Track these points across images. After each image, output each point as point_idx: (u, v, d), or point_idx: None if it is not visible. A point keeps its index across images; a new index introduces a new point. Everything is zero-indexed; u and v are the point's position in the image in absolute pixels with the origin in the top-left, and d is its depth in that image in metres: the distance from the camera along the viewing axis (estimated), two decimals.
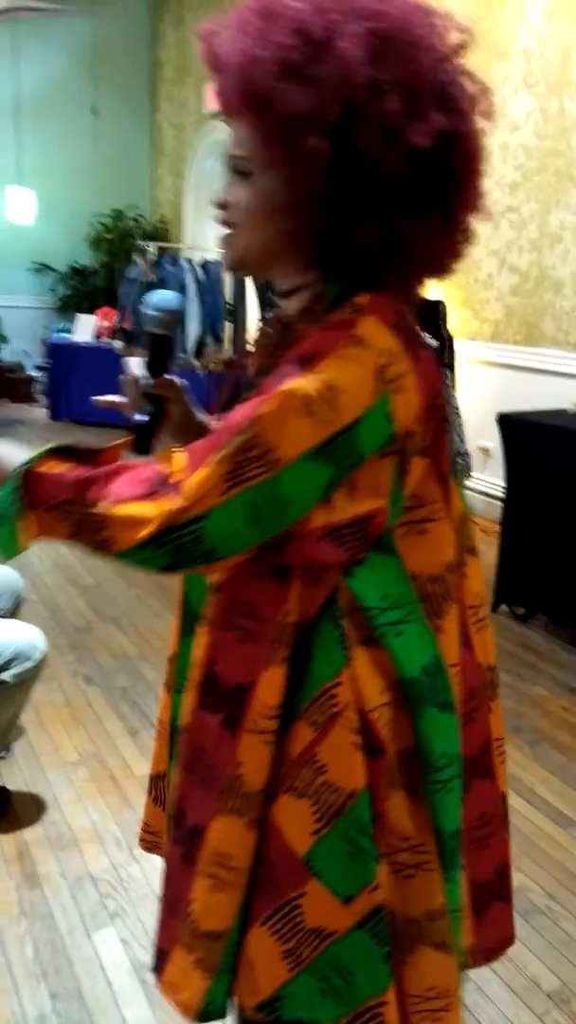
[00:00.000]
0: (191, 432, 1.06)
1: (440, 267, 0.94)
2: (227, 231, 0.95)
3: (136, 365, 1.04)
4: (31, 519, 0.88)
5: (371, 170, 0.83)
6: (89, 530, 0.86)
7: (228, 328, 6.25)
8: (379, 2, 0.83)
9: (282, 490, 0.82)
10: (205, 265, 6.40)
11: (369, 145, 0.82)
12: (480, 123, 0.88)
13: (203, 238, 8.05)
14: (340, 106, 0.81)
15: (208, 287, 6.42)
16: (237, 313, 6.21)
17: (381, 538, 0.89)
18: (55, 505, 0.87)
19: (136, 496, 0.85)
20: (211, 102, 7.40)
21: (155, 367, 1.04)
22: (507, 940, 1.14)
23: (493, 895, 1.08)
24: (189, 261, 6.41)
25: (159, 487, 0.85)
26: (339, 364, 0.83)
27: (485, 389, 4.48)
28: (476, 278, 4.64)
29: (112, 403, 1.08)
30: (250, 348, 1.06)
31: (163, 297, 1.04)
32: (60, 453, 0.91)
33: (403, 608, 0.91)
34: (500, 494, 3.56)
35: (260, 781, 0.93)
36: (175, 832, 1.01)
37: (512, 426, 3.44)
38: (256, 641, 0.91)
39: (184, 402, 1.07)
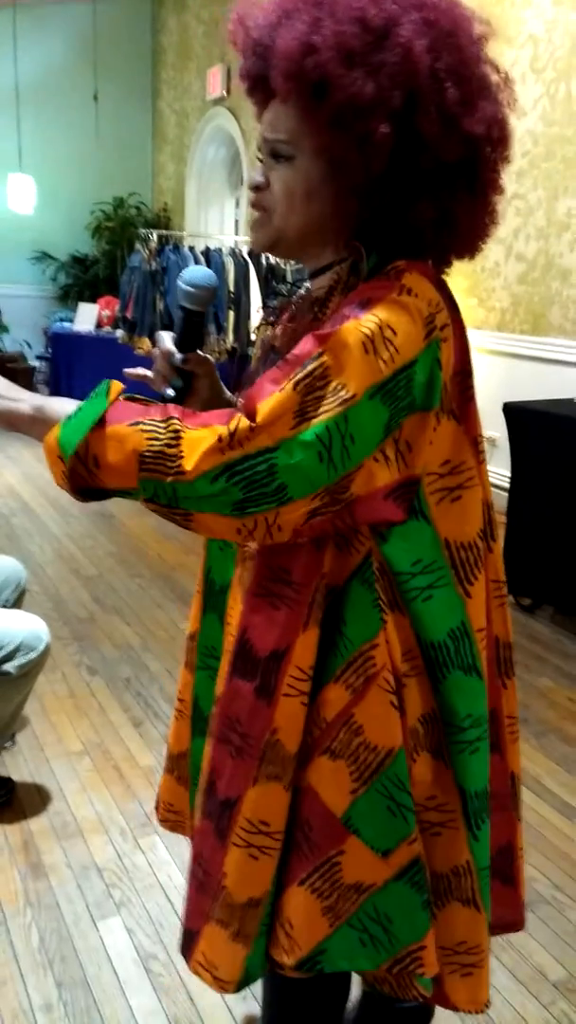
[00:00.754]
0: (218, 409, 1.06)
1: (474, 246, 0.97)
2: (258, 214, 0.95)
3: (168, 340, 1.05)
4: (102, 434, 0.84)
5: (429, 155, 0.85)
6: (160, 448, 0.82)
7: (231, 317, 6.22)
8: None
9: (349, 427, 0.82)
10: (207, 253, 6.36)
11: (430, 131, 0.84)
12: (506, 110, 0.91)
13: (206, 226, 8.00)
14: (403, 93, 0.83)
15: None
16: (240, 302, 6.18)
17: (416, 504, 0.91)
18: (134, 423, 0.84)
19: (211, 421, 0.84)
20: (213, 88, 7.35)
21: (186, 343, 1.04)
22: (510, 924, 1.15)
23: (492, 873, 1.08)
24: (192, 249, 6.37)
25: (233, 414, 0.84)
26: (392, 309, 0.84)
27: (491, 378, 4.46)
28: (482, 266, 4.61)
29: (142, 376, 1.09)
30: (262, 330, 1.06)
31: (198, 273, 1.04)
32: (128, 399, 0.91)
33: (434, 573, 0.93)
34: (505, 484, 3.54)
35: (295, 744, 0.95)
36: (206, 805, 1.02)
37: (518, 416, 3.42)
38: (291, 606, 0.92)
39: (214, 378, 1.08)
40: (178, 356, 1.04)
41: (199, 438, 0.82)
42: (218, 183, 8.10)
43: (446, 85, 0.84)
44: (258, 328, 1.10)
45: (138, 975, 1.67)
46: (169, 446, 0.82)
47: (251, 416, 0.82)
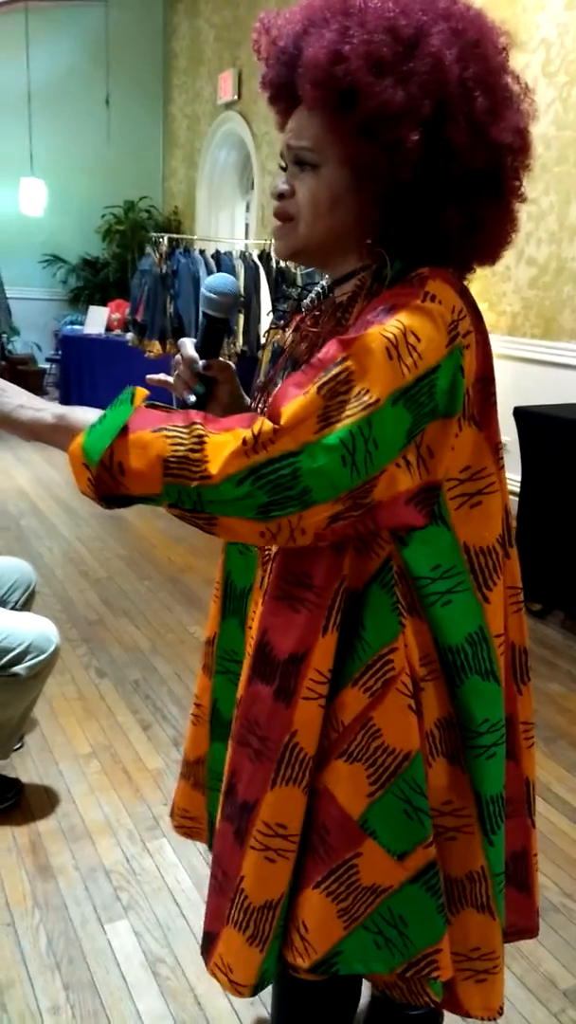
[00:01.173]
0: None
1: (496, 253, 0.97)
2: (282, 222, 0.95)
3: (190, 346, 1.05)
4: (126, 441, 0.84)
5: (458, 163, 0.86)
6: (184, 454, 0.82)
7: (241, 320, 6.23)
8: (452, 3, 0.87)
9: (372, 432, 0.82)
10: (217, 257, 6.37)
11: (459, 139, 0.85)
12: (527, 120, 0.92)
13: (216, 229, 8.02)
14: (433, 102, 0.83)
15: None
16: (250, 305, 6.18)
17: (436, 509, 0.91)
18: (158, 429, 0.84)
19: (233, 426, 0.84)
20: (225, 92, 7.37)
21: (208, 349, 1.05)
22: (523, 930, 1.14)
23: (506, 880, 1.08)
24: (202, 253, 6.39)
25: (255, 418, 0.84)
26: (416, 315, 0.85)
27: (501, 383, 4.43)
28: (493, 270, 4.59)
29: (164, 382, 1.10)
30: (278, 334, 1.06)
31: (221, 280, 1.05)
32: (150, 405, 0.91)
33: (453, 578, 0.93)
34: (516, 489, 3.53)
35: (313, 746, 0.95)
36: (226, 808, 1.03)
37: (528, 420, 3.41)
38: (311, 610, 0.92)
39: (234, 384, 1.09)
40: (200, 362, 1.04)
41: (223, 442, 0.82)
42: (229, 187, 8.12)
43: (475, 94, 0.84)
44: (268, 332, 1.10)
45: (146, 978, 1.66)
46: (193, 451, 0.82)
47: (275, 419, 0.82)
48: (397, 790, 0.95)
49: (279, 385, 1.02)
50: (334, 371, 0.82)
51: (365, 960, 1.00)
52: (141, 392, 0.89)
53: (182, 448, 0.83)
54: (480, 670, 0.96)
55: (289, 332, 1.06)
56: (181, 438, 0.83)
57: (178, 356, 1.06)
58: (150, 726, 2.56)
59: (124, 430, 0.85)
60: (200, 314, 1.07)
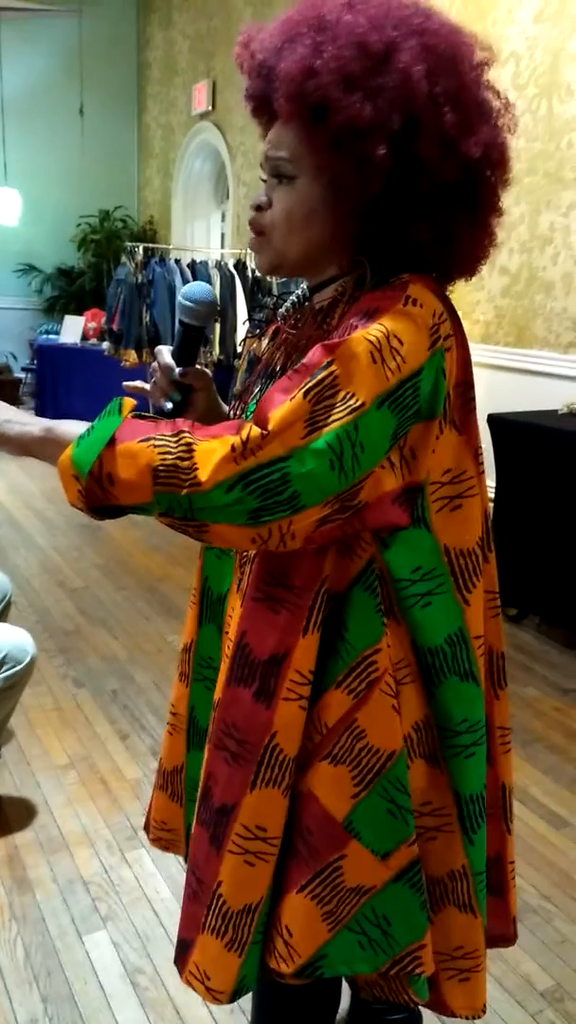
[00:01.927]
0: (215, 423, 1.07)
1: (474, 267, 0.99)
2: (261, 234, 0.97)
3: (167, 354, 1.06)
4: (115, 451, 0.84)
5: (427, 177, 0.87)
6: (173, 462, 0.83)
7: (217, 329, 6.24)
8: (426, 19, 0.88)
9: (359, 435, 0.83)
10: (193, 266, 6.38)
11: (428, 154, 0.86)
12: (506, 135, 0.93)
13: (192, 239, 8.03)
14: (402, 117, 0.84)
15: None
16: (226, 315, 6.20)
17: (418, 512, 0.92)
18: (145, 438, 0.85)
19: (221, 433, 0.84)
20: (199, 103, 7.40)
21: (185, 357, 1.06)
22: (499, 937, 1.15)
23: None
24: (177, 262, 6.39)
25: (243, 425, 0.84)
26: (398, 319, 0.86)
27: (476, 390, 4.49)
28: (466, 279, 4.64)
29: (141, 389, 1.10)
30: (248, 345, 1.07)
31: (198, 289, 1.06)
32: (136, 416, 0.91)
33: (434, 580, 0.94)
34: (490, 495, 3.56)
35: (295, 749, 0.95)
36: (202, 812, 1.02)
37: (502, 427, 3.45)
38: (291, 610, 0.93)
39: (211, 392, 1.09)
40: (177, 370, 1.05)
41: (211, 449, 0.83)
42: (204, 196, 8.14)
43: (444, 109, 0.85)
44: (244, 341, 1.12)
45: (124, 990, 1.66)
46: (182, 459, 0.83)
47: (263, 425, 0.82)
48: (381, 790, 0.95)
49: (260, 392, 1.03)
50: (320, 375, 0.83)
51: (349, 961, 1.00)
52: (128, 402, 0.89)
53: (171, 456, 0.83)
54: (459, 671, 0.97)
55: (265, 341, 1.07)
56: (169, 447, 0.83)
57: (155, 363, 1.07)
58: (128, 736, 2.55)
59: (112, 441, 0.85)
60: (177, 322, 1.07)
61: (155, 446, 0.84)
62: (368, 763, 0.95)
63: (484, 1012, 1.09)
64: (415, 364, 0.86)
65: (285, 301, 1.07)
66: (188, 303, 1.04)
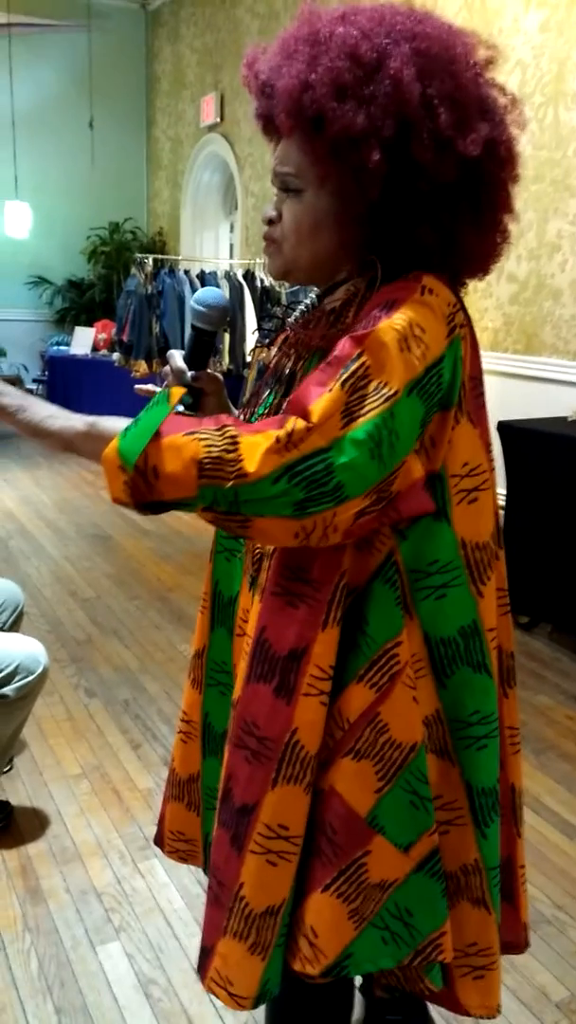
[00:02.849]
0: None
1: (484, 267, 1.00)
2: (272, 245, 1.00)
3: (179, 358, 1.07)
4: (160, 445, 0.84)
5: (426, 179, 0.88)
6: (219, 454, 0.83)
7: (226, 339, 6.26)
8: (418, 24, 0.89)
9: (395, 423, 0.84)
10: (202, 276, 6.41)
11: (424, 156, 0.87)
12: (513, 131, 0.94)
13: (201, 250, 8.07)
14: (395, 122, 0.86)
15: None
16: (235, 325, 6.22)
17: (440, 504, 0.93)
18: (190, 432, 0.85)
19: (263, 428, 0.85)
20: (207, 115, 7.45)
21: (196, 361, 1.07)
22: (509, 944, 1.13)
23: None
24: (187, 273, 6.43)
25: (286, 419, 0.84)
26: (417, 308, 0.87)
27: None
28: (474, 286, 4.65)
29: (152, 392, 1.11)
30: (263, 345, 1.08)
31: (210, 294, 1.07)
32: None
33: (450, 573, 0.95)
34: (501, 502, 3.55)
35: (315, 745, 0.95)
36: (222, 813, 1.02)
37: (512, 434, 3.44)
38: (310, 605, 0.93)
39: (222, 396, 1.11)
40: (189, 374, 1.06)
41: (256, 442, 0.83)
42: (213, 207, 8.18)
43: (439, 110, 0.86)
44: (254, 350, 1.13)
45: (138, 1001, 1.65)
46: (227, 451, 0.83)
47: (305, 417, 0.83)
48: (404, 783, 0.95)
49: (270, 396, 1.04)
50: (352, 367, 0.84)
51: (374, 958, 0.99)
52: (176, 391, 0.90)
53: (216, 449, 0.83)
54: (472, 662, 0.97)
55: (275, 350, 1.08)
56: (214, 439, 0.83)
57: (166, 367, 1.08)
58: (140, 746, 2.55)
59: (158, 434, 0.85)
60: (189, 327, 1.09)
61: (200, 439, 0.84)
62: (391, 756, 0.95)
63: (499, 1012, 1.08)
64: (437, 351, 0.88)
65: (294, 311, 1.08)
66: (200, 307, 1.06)
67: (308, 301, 1.07)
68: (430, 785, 0.98)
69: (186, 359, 1.08)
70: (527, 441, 3.41)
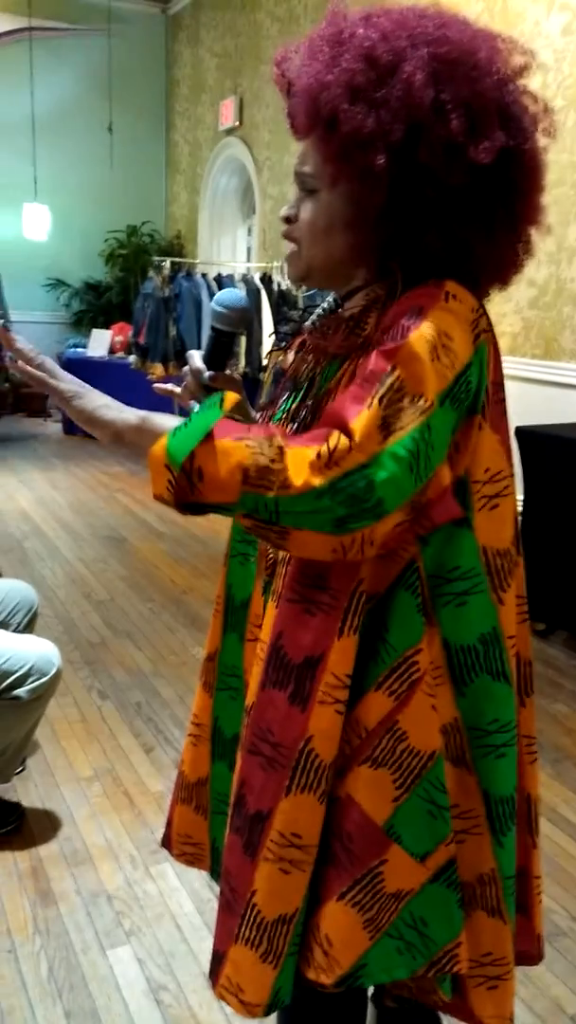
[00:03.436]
0: None
1: (503, 278, 0.99)
2: (292, 245, 1.00)
3: (198, 358, 1.07)
4: (208, 447, 0.83)
5: (434, 185, 0.87)
6: (266, 464, 0.82)
7: (243, 342, 6.26)
8: (441, 28, 0.88)
9: (431, 435, 0.84)
10: (219, 280, 6.41)
11: (432, 161, 0.86)
12: (542, 141, 0.92)
13: (218, 253, 8.09)
14: (404, 126, 0.85)
15: None
16: (252, 328, 6.22)
17: (464, 510, 0.93)
18: (239, 437, 0.84)
19: (308, 442, 0.84)
20: (226, 119, 7.47)
21: (215, 362, 1.08)
22: (523, 955, 1.12)
23: None
24: (204, 276, 6.44)
25: (330, 433, 0.84)
26: (444, 316, 0.87)
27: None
28: (499, 288, 4.62)
29: (170, 392, 1.12)
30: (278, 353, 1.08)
31: (230, 295, 1.08)
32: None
33: (471, 580, 0.94)
34: (519, 508, 3.53)
35: (331, 753, 0.94)
36: (235, 820, 1.01)
37: (530, 440, 3.42)
38: (327, 612, 0.92)
39: (240, 398, 1.09)
40: (207, 374, 1.06)
41: (303, 455, 0.82)
42: (231, 211, 8.20)
43: (451, 116, 0.85)
44: (270, 354, 1.13)
45: (148, 1006, 1.64)
46: (274, 461, 0.82)
47: (347, 434, 0.82)
48: (422, 791, 0.94)
49: (288, 402, 1.03)
50: (388, 381, 0.84)
51: (389, 968, 0.98)
52: (231, 397, 0.89)
53: (263, 458, 0.82)
54: (491, 670, 0.96)
55: (291, 354, 1.07)
56: (263, 448, 0.83)
57: (186, 368, 1.08)
58: (152, 749, 2.54)
59: (208, 436, 0.84)
60: (208, 329, 1.09)
61: (248, 446, 0.83)
62: (409, 765, 0.94)
63: (512, 1022, 1.06)
64: (465, 358, 0.87)
65: (311, 314, 1.07)
66: (220, 309, 1.06)
67: (325, 305, 1.06)
68: (447, 794, 0.97)
69: (205, 359, 1.08)
70: (546, 447, 3.39)
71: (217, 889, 1.05)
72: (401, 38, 0.87)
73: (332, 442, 0.82)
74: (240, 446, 0.83)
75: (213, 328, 1.08)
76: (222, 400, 0.88)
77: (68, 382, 0.97)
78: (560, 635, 3.50)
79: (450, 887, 0.97)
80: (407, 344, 0.84)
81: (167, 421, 0.90)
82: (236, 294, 1.08)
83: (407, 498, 0.84)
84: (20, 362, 0.97)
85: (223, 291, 1.09)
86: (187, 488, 0.84)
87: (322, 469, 0.81)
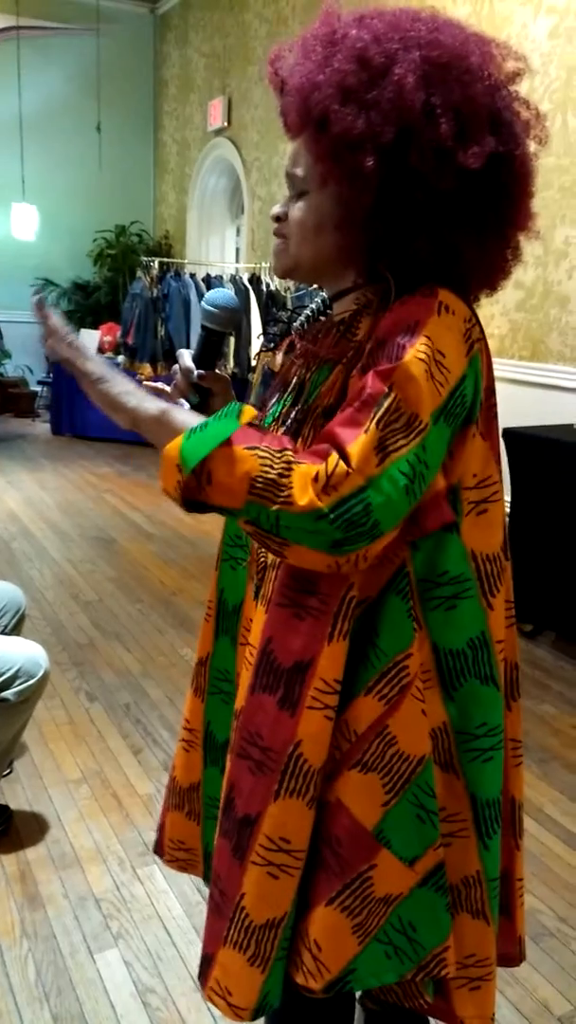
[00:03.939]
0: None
1: (491, 283, 0.99)
2: (279, 241, 1.01)
3: (187, 357, 1.08)
4: (221, 452, 0.85)
5: (423, 188, 0.87)
6: (273, 477, 0.83)
7: (231, 343, 6.26)
8: (433, 32, 0.88)
9: (426, 455, 0.85)
10: (208, 280, 6.42)
11: (421, 165, 0.86)
12: (533, 147, 0.92)
13: (207, 253, 8.08)
14: (395, 128, 0.85)
15: None
16: (240, 329, 6.22)
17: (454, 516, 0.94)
18: (251, 447, 0.85)
19: (313, 457, 0.85)
20: (215, 119, 7.46)
21: (204, 360, 1.09)
22: (504, 957, 1.12)
23: None
24: (192, 276, 6.44)
25: (328, 452, 0.85)
26: (437, 331, 0.87)
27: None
28: (486, 294, 4.64)
29: (160, 389, 1.12)
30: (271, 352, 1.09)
31: (221, 295, 1.09)
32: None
33: (460, 584, 0.95)
34: (506, 509, 3.54)
35: (320, 759, 0.94)
36: (224, 823, 1.01)
37: (517, 442, 3.43)
38: (317, 617, 0.93)
39: (229, 396, 1.11)
40: (196, 373, 1.07)
41: (309, 474, 0.83)
42: (219, 211, 8.20)
43: (440, 120, 0.85)
44: (258, 354, 1.13)
45: (136, 1009, 1.64)
46: (281, 475, 0.83)
47: (345, 459, 0.83)
48: (411, 796, 0.95)
49: (277, 405, 1.03)
50: (385, 403, 0.84)
51: (377, 973, 0.98)
52: (248, 411, 0.90)
53: (271, 471, 0.83)
54: (479, 674, 0.97)
55: (280, 355, 1.07)
56: (273, 460, 0.84)
57: (176, 366, 1.09)
58: (141, 751, 2.54)
59: (223, 443, 0.85)
60: (199, 328, 1.10)
61: (259, 456, 0.84)
62: (399, 769, 0.94)
63: (492, 1021, 1.07)
64: (459, 373, 0.88)
65: (300, 315, 1.07)
66: (211, 308, 1.07)
67: (313, 306, 1.06)
68: (436, 798, 0.97)
69: (195, 359, 1.09)
70: (533, 448, 3.40)
71: (207, 892, 1.05)
72: (393, 40, 0.87)
73: (331, 465, 0.83)
74: (251, 456, 0.84)
75: (203, 327, 1.09)
76: (240, 412, 0.88)
77: (95, 363, 0.97)
78: (547, 636, 3.51)
79: (438, 891, 0.98)
80: (403, 366, 0.84)
81: (186, 418, 0.91)
82: (227, 294, 1.09)
83: (401, 517, 0.86)
84: (51, 340, 0.98)
85: (214, 291, 1.10)
86: (195, 489, 0.86)
87: (320, 493, 0.82)
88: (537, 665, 3.28)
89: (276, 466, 0.84)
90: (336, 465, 0.82)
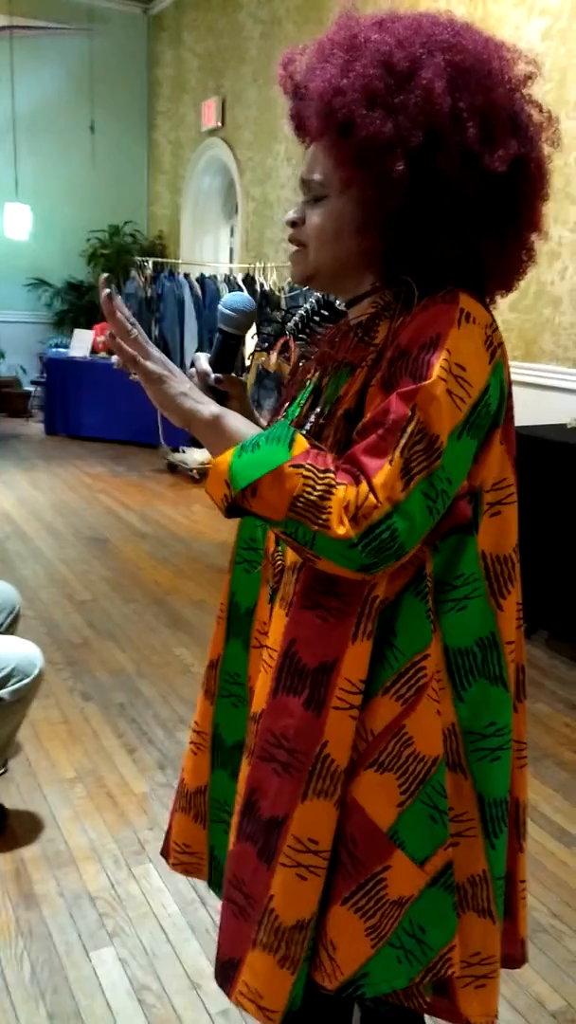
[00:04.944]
0: None
1: (508, 283, 1.00)
2: (296, 248, 1.00)
3: (204, 360, 1.08)
4: (273, 472, 0.86)
5: (450, 193, 0.88)
6: (314, 499, 0.85)
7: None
8: (456, 36, 0.89)
9: (447, 472, 0.87)
10: (202, 280, 6.41)
11: (449, 169, 0.87)
12: (546, 149, 0.93)
13: (200, 253, 8.08)
14: (422, 132, 0.86)
15: (205, 303, 6.46)
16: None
17: (472, 517, 0.95)
18: (297, 465, 0.86)
19: (348, 478, 0.87)
20: (208, 119, 7.46)
21: (221, 364, 1.08)
22: (507, 958, 1.12)
23: None
24: (187, 276, 6.43)
25: (359, 477, 0.86)
26: (459, 343, 0.88)
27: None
28: (502, 295, 4.65)
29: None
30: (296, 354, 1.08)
31: (238, 298, 1.08)
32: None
33: (471, 585, 0.96)
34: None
35: (345, 758, 0.95)
36: (247, 827, 1.01)
37: None
38: (340, 618, 0.93)
39: (244, 400, 1.11)
40: (213, 376, 1.07)
41: (343, 500, 0.85)
42: (213, 212, 8.20)
43: (467, 124, 0.86)
44: (252, 354, 1.13)
45: (131, 1007, 1.64)
46: (322, 498, 0.85)
47: (372, 489, 0.85)
48: (425, 796, 0.95)
49: (292, 407, 1.04)
50: (408, 429, 0.85)
51: (390, 979, 0.98)
52: (301, 443, 0.89)
53: (313, 493, 0.85)
54: (489, 674, 0.97)
55: (274, 355, 1.08)
56: (316, 482, 0.85)
57: (192, 369, 1.09)
58: (135, 750, 2.54)
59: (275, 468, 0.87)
60: (216, 330, 1.10)
61: (303, 475, 0.86)
62: (415, 770, 0.95)
63: (496, 1019, 1.07)
64: (482, 384, 0.89)
65: (294, 315, 1.07)
66: (228, 311, 1.07)
67: (308, 306, 1.07)
68: (447, 798, 0.98)
69: (211, 362, 1.09)
70: (526, 448, 3.39)
71: (202, 890, 1.05)
72: (416, 44, 0.88)
73: (361, 496, 0.85)
74: (295, 474, 0.86)
75: (220, 331, 1.09)
76: (293, 441, 0.88)
77: (156, 363, 0.97)
78: (541, 635, 3.53)
79: (446, 890, 0.98)
80: (425, 389, 0.85)
81: (239, 428, 0.92)
82: (244, 297, 1.09)
83: (423, 536, 0.88)
84: (116, 336, 0.97)
85: (231, 294, 1.10)
86: (239, 499, 0.88)
87: (350, 522, 0.84)
88: (531, 664, 3.29)
89: (318, 488, 0.85)
90: (365, 498, 0.84)
